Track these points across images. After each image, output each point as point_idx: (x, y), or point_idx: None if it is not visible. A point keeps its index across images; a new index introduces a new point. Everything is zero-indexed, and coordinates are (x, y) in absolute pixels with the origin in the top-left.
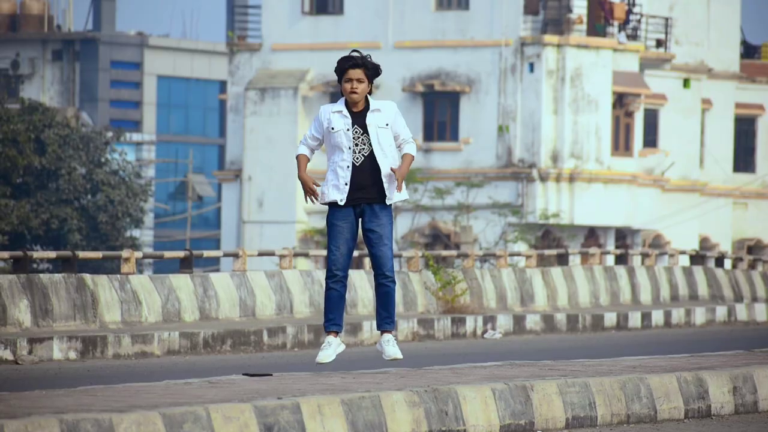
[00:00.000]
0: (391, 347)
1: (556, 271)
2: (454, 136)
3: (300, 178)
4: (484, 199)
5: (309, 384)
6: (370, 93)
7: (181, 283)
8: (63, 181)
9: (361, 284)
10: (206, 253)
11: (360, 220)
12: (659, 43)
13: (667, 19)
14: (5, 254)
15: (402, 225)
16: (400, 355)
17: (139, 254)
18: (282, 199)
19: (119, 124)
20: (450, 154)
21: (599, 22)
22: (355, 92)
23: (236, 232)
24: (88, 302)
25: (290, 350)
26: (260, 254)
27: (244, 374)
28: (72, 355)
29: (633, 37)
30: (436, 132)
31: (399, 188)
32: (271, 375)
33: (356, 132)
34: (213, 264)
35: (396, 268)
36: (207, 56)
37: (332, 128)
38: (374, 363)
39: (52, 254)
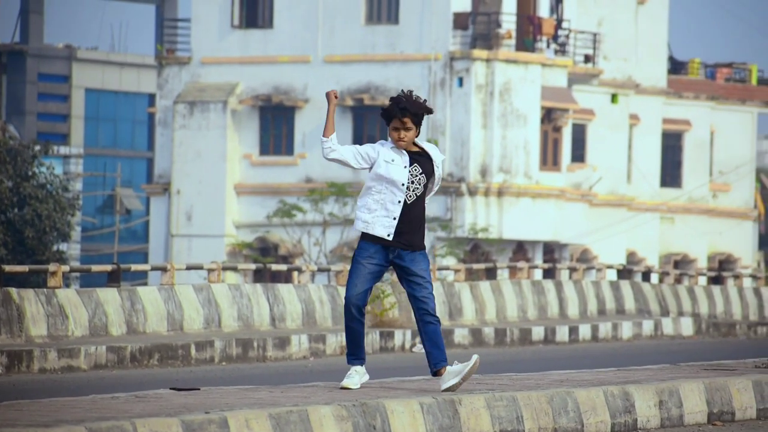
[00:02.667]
0: (449, 382)
1: (484, 285)
2: None
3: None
4: None
5: (237, 398)
6: (417, 135)
7: (109, 296)
8: None
9: (289, 298)
10: (134, 267)
11: (394, 263)
12: (587, 59)
13: (595, 35)
14: None
15: (331, 239)
16: (453, 387)
17: (66, 268)
18: (211, 213)
19: (47, 138)
20: None
21: (528, 37)
22: (403, 141)
23: (164, 246)
24: (14, 316)
25: (218, 364)
26: (188, 268)
27: (171, 388)
28: None
29: (561, 52)
30: None
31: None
32: (199, 389)
33: (414, 170)
34: (141, 278)
35: (325, 281)
36: (136, 69)
37: (391, 159)
38: (302, 377)
39: None
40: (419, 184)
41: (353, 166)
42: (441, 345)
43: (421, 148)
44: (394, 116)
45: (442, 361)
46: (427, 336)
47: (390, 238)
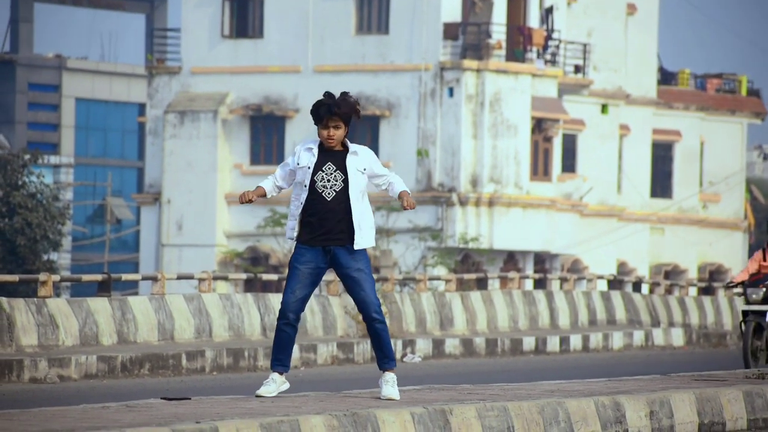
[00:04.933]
0: (389, 387)
1: (475, 296)
2: None
3: (244, 192)
4: (404, 223)
5: (227, 408)
6: (346, 135)
7: (99, 306)
8: None
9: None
10: (125, 277)
11: (331, 262)
12: (577, 69)
13: (585, 45)
14: None
15: None
16: (396, 396)
17: (56, 277)
18: (201, 223)
19: (37, 147)
20: None
21: (518, 47)
22: (332, 139)
23: (155, 256)
24: (4, 326)
25: (209, 374)
26: (179, 278)
27: (162, 398)
28: None
29: (551, 62)
30: None
31: (411, 205)
32: (190, 399)
33: (328, 168)
34: (131, 287)
35: (316, 292)
36: (126, 79)
37: (298, 164)
38: (293, 387)
39: None
40: (336, 181)
41: (285, 188)
42: (384, 348)
43: (347, 148)
44: (323, 115)
45: (386, 363)
46: (371, 338)
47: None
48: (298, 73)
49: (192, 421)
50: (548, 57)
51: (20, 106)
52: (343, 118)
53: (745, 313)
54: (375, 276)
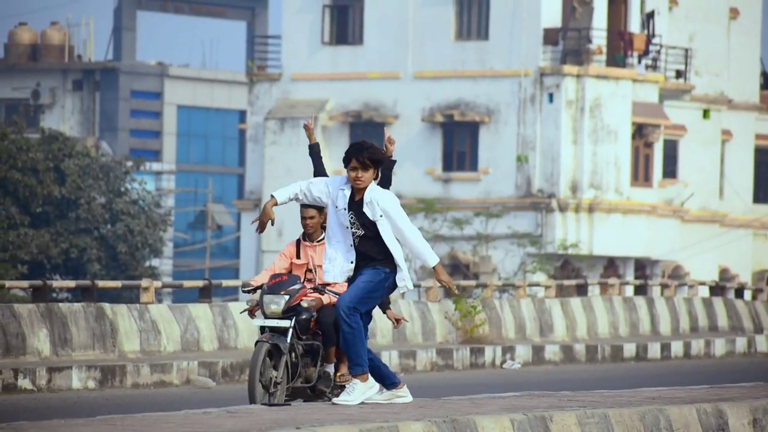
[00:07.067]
0: (343, 393)
1: (575, 302)
2: (473, 166)
3: (265, 208)
4: (503, 229)
5: (327, 414)
6: (376, 178)
7: (200, 312)
8: (82, 211)
9: (379, 314)
10: (225, 283)
11: None
12: (679, 74)
13: (686, 50)
14: (25, 283)
15: None
16: (349, 402)
17: (158, 284)
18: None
19: (139, 154)
20: (469, 184)
21: (619, 52)
22: (359, 180)
23: (255, 262)
24: (107, 331)
25: None
26: None
27: (262, 404)
28: (91, 384)
29: (653, 67)
30: (455, 162)
31: (451, 285)
32: (290, 405)
33: (351, 218)
34: (232, 293)
35: (414, 297)
36: (227, 86)
37: (336, 206)
38: None
39: (72, 283)
40: (357, 228)
41: (325, 203)
42: (348, 351)
43: (366, 199)
44: (351, 156)
45: (350, 368)
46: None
47: (350, 274)
48: (397, 80)
49: (292, 427)
50: (649, 62)
51: (123, 113)
52: (371, 160)
53: (261, 329)
54: (474, 282)
